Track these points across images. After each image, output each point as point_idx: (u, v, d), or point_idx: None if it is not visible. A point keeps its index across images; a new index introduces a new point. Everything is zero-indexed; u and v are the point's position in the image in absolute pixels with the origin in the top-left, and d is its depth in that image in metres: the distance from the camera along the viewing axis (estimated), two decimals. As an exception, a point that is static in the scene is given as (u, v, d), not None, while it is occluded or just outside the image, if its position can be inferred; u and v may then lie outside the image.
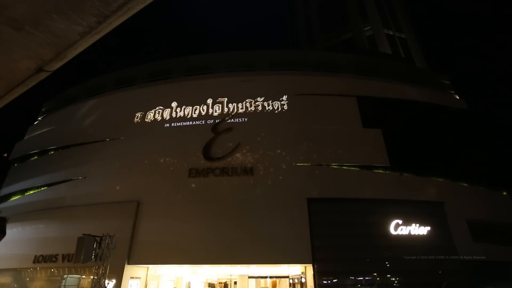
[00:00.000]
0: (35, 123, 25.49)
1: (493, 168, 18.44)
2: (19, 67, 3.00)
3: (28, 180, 20.23)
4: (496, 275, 14.17)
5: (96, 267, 11.53)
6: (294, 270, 15.67)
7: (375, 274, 13.94)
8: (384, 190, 15.73)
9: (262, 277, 16.91)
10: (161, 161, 17.49)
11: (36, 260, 15.83)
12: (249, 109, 18.57)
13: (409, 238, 14.42)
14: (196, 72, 21.59)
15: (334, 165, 16.68)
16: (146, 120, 19.55)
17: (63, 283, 15.47)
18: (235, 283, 16.47)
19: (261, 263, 15.11)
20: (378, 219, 14.80)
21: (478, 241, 14.75)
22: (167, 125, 19.00)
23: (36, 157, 21.86)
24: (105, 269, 11.57)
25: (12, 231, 15.56)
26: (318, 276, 13.60)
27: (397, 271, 14.01)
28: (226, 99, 19.02)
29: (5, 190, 21.15)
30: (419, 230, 14.61)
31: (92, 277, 12.43)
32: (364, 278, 13.80)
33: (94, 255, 11.30)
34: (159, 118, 19.39)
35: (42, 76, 3.19)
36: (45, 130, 23.39)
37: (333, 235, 14.52)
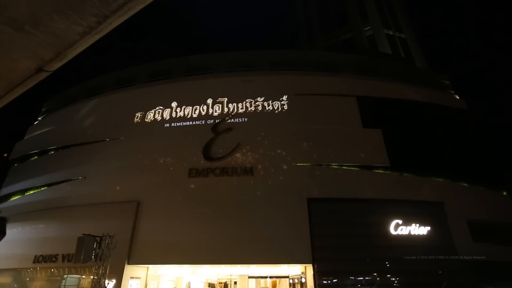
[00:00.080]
0: (35, 123, 25.49)
1: (493, 168, 18.44)
2: (19, 67, 3.00)
3: (28, 180, 20.23)
4: (496, 275, 14.16)
5: (96, 267, 11.53)
6: (294, 270, 15.67)
7: (375, 274, 13.95)
8: (384, 190, 15.73)
9: (262, 277, 16.91)
10: (161, 161, 17.49)
11: (36, 260, 15.83)
12: (249, 109, 18.57)
13: (409, 238, 14.42)
14: (196, 72, 21.59)
15: (334, 165, 16.68)
16: (146, 120, 19.55)
17: (63, 283, 15.47)
18: (235, 283, 16.47)
19: (261, 263, 15.11)
20: (378, 219, 14.80)
21: (478, 241, 14.75)
22: (167, 125, 19.00)
23: (36, 157, 21.86)
24: (105, 269, 11.58)
25: (12, 231, 15.56)
26: (318, 276, 13.60)
27: (397, 271, 14.01)
28: (226, 99, 19.02)
29: (5, 190, 21.15)
30: (419, 230, 14.61)
31: (92, 277, 12.43)
32: (364, 278, 13.80)
33: (94, 255, 11.31)
34: (159, 118, 19.40)
35: (42, 76, 3.19)
36: (45, 130, 23.38)
37: (333, 235, 14.52)
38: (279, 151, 16.86)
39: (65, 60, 3.01)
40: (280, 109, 18.44)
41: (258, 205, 15.23)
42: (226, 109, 18.75)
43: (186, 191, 16.21)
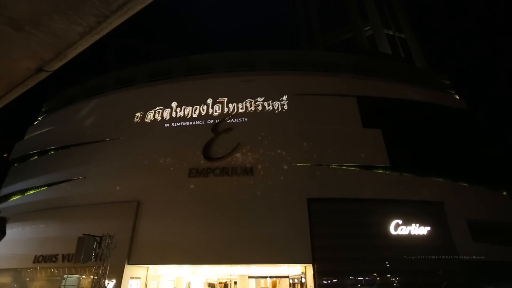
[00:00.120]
0: (35, 123, 25.49)
1: (493, 168, 18.43)
2: (19, 67, 3.00)
3: (28, 180, 20.23)
4: (496, 275, 14.16)
5: (96, 267, 11.53)
6: (294, 270, 15.67)
7: (375, 274, 13.94)
8: (384, 190, 15.73)
9: (262, 277, 16.91)
10: (161, 161, 17.48)
11: (36, 260, 15.82)
12: (249, 109, 18.57)
13: (409, 238, 14.42)
14: (196, 72, 21.59)
15: (334, 165, 16.68)
16: (146, 120, 19.55)
17: (63, 283, 15.47)
18: (235, 283, 16.47)
19: (261, 263, 15.10)
20: (378, 219, 14.80)
21: (478, 241, 14.74)
22: (167, 125, 19.00)
23: (36, 157, 21.86)
24: (105, 269, 11.58)
25: (12, 231, 15.56)
26: (318, 276, 13.59)
27: (397, 271, 14.01)
28: (226, 99, 19.02)
29: (5, 190, 21.15)
30: (419, 230, 14.61)
31: (92, 277, 12.43)
32: (364, 278, 13.80)
33: (94, 255, 11.31)
34: (159, 118, 19.40)
35: (42, 76, 3.19)
36: (45, 130, 23.38)
37: (333, 235, 14.52)
38: (279, 151, 16.86)
39: (65, 60, 3.01)
40: (280, 109, 18.44)
41: (258, 205, 15.23)
42: (226, 109, 18.75)
43: (186, 191, 16.21)
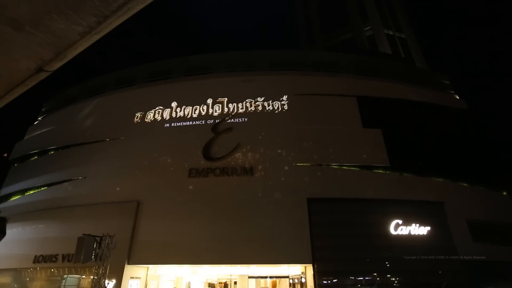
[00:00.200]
0: (35, 123, 25.49)
1: (493, 168, 18.44)
2: (19, 67, 3.00)
3: (28, 180, 20.23)
4: (496, 275, 14.17)
5: (96, 267, 11.53)
6: (294, 270, 15.67)
7: (375, 274, 13.94)
8: (384, 190, 15.73)
9: (262, 277, 16.91)
10: (161, 161, 17.49)
11: (36, 260, 15.83)
12: (249, 109, 18.57)
13: (409, 238, 14.42)
14: (196, 72, 21.60)
15: (334, 165, 16.68)
16: (146, 120, 19.55)
17: (63, 283, 15.47)
18: (235, 283, 16.47)
19: (261, 263, 15.10)
20: (378, 219, 14.80)
21: (478, 241, 14.74)
22: (167, 125, 19.00)
23: (36, 157, 21.86)
24: (105, 269, 11.57)
25: (12, 231, 15.56)
26: (318, 276, 13.59)
27: (397, 271, 14.01)
28: (226, 99, 19.03)
29: (5, 190, 21.15)
30: (419, 230, 14.61)
31: (92, 277, 12.43)
32: (364, 278, 13.80)
33: (94, 255, 11.30)
34: (159, 118, 19.40)
35: (42, 76, 3.19)
36: (45, 130, 23.39)
37: (333, 235, 14.52)
38: (279, 151, 16.86)
39: (65, 60, 3.01)
40: (280, 109, 18.44)
41: (258, 205, 15.23)
42: (226, 109, 18.75)
43: (186, 191, 16.21)
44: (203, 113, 18.88)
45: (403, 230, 14.55)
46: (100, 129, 20.21)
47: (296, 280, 15.63)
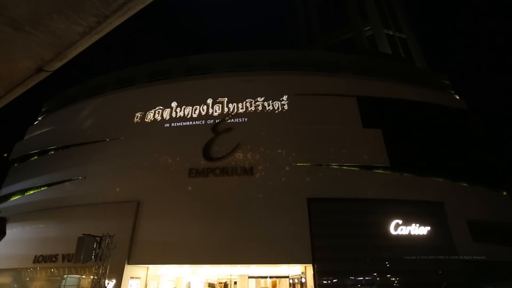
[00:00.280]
0: (35, 123, 25.49)
1: (493, 168, 18.44)
2: (19, 67, 3.00)
3: (28, 180, 20.24)
4: (496, 275, 14.16)
5: (96, 267, 11.53)
6: (294, 270, 15.67)
7: (375, 274, 13.94)
8: (384, 190, 15.73)
9: (262, 277, 16.91)
10: (161, 161, 17.49)
11: (36, 260, 15.83)
12: (249, 109, 18.57)
13: (409, 238, 14.42)
14: (196, 72, 21.60)
15: (334, 165, 16.68)
16: (146, 120, 19.55)
17: (63, 283, 15.47)
18: (235, 283, 16.47)
19: (261, 263, 15.10)
20: (378, 219, 14.80)
21: (478, 241, 14.75)
22: (167, 125, 19.00)
23: (36, 157, 21.86)
24: (105, 269, 11.58)
25: (12, 231, 15.56)
26: (318, 276, 13.60)
27: (397, 271, 14.01)
28: (226, 99, 19.03)
29: (5, 190, 21.16)
30: (419, 230, 14.61)
31: (92, 277, 12.44)
32: (364, 278, 13.80)
33: (94, 255, 11.31)
34: (159, 118, 19.40)
35: (42, 76, 3.19)
36: (45, 130, 23.39)
37: (333, 235, 14.52)
38: (279, 151, 16.86)
39: (65, 60, 3.01)
40: (280, 109, 18.44)
41: (258, 205, 15.23)
42: (226, 109, 18.75)
43: (186, 191, 16.21)
44: (203, 113, 18.88)
45: (403, 230, 14.55)
46: (100, 129, 20.22)
47: (296, 280, 15.63)
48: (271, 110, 18.43)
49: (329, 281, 13.81)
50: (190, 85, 20.57)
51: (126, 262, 14.43)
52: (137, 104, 20.26)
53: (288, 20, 51.04)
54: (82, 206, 16.85)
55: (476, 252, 14.31)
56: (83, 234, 11.47)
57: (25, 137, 24.38)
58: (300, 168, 16.46)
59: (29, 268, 16.16)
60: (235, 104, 18.79)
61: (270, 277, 17.11)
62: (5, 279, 16.56)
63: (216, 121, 18.33)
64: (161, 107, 19.67)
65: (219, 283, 18.02)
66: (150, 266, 15.83)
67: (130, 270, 14.73)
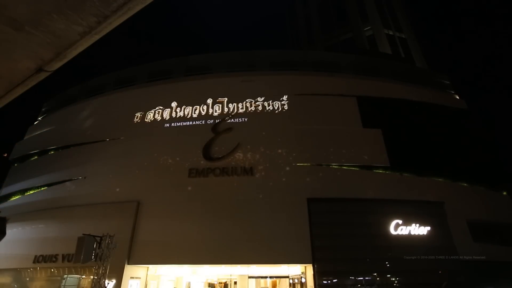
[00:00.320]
0: (35, 123, 25.49)
1: (493, 168, 18.44)
2: (19, 67, 3.00)
3: (28, 180, 20.23)
4: (496, 275, 14.16)
5: (96, 267, 11.53)
6: (294, 270, 15.67)
7: (375, 274, 13.94)
8: (384, 190, 15.73)
9: (262, 277, 16.91)
10: (161, 161, 17.49)
11: (36, 260, 15.83)
12: (249, 109, 18.57)
13: (409, 238, 14.42)
14: (196, 72, 21.60)
15: (334, 165, 16.68)
16: (146, 120, 19.55)
17: (63, 283, 15.47)
18: (235, 283, 16.47)
19: (261, 263, 15.10)
20: (378, 219, 14.80)
21: (478, 241, 14.75)
22: (167, 125, 19.00)
23: (36, 157, 21.86)
24: (105, 269, 11.57)
25: (12, 231, 15.56)
26: (318, 276, 13.60)
27: (397, 271, 14.01)
28: (226, 99, 19.03)
29: (5, 190, 21.16)
30: (419, 230, 14.61)
31: (92, 277, 12.43)
32: (364, 278, 13.80)
33: (94, 255, 11.31)
34: (159, 118, 19.40)
35: (42, 76, 3.19)
36: (45, 130, 23.39)
37: (333, 235, 14.52)
38: (279, 151, 16.86)
39: (65, 60, 3.01)
40: (280, 109, 18.44)
41: (258, 205, 15.23)
42: (226, 109, 18.75)
43: (186, 191, 16.21)
44: (203, 113, 18.88)
45: (403, 230, 14.55)
46: (100, 129, 20.22)
47: (296, 280, 15.63)
48: (271, 110, 18.43)
49: (329, 281, 13.81)
50: (190, 85, 20.57)
51: (126, 262, 14.43)
52: (137, 104, 20.26)
53: (288, 20, 51.05)
54: (82, 206, 16.85)
55: (476, 252, 14.31)
56: (83, 234, 11.47)
57: (25, 137, 24.37)
58: (300, 168, 16.46)
59: (29, 268, 16.16)
60: (235, 104, 18.79)
61: (270, 277, 17.11)
62: (5, 279, 16.56)
63: (216, 121, 18.33)
64: (161, 107, 19.67)
65: (219, 283, 18.02)
66: (150, 266, 15.83)
67: (130, 270, 14.73)
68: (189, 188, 16.32)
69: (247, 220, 14.82)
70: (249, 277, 16.10)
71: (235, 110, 18.62)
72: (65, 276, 15.59)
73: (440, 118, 19.39)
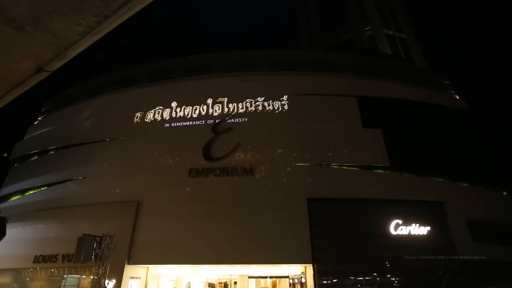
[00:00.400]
0: (35, 123, 25.49)
1: (493, 168, 18.43)
2: (19, 67, 3.00)
3: (28, 180, 20.23)
4: (496, 275, 14.17)
5: (96, 267, 11.53)
6: (294, 270, 15.67)
7: (375, 274, 13.94)
8: (384, 190, 15.73)
9: (262, 277, 16.91)
10: (161, 161, 17.49)
11: (36, 260, 15.83)
12: (249, 109, 18.57)
13: (409, 238, 14.42)
14: (196, 72, 21.60)
15: (334, 165, 16.68)
16: (146, 120, 19.55)
17: (63, 283, 15.47)
18: (235, 283, 16.47)
19: (261, 263, 15.10)
20: (378, 219, 14.80)
21: (478, 241, 14.74)
22: (167, 125, 19.00)
23: (36, 157, 21.86)
24: (105, 269, 11.57)
25: (12, 231, 15.55)
26: (318, 276, 13.59)
27: (397, 271, 14.01)
28: (226, 99, 19.03)
29: (5, 190, 21.15)
30: (419, 230, 14.61)
31: (92, 277, 12.43)
32: (364, 278, 13.80)
33: (94, 255, 11.31)
34: (159, 118, 19.40)
35: (42, 76, 3.19)
36: (45, 130, 23.39)
37: (333, 235, 14.52)
38: (279, 151, 16.86)
39: (65, 60, 3.01)
40: (280, 109, 18.44)
41: (258, 205, 15.23)
42: (226, 109, 18.74)
43: (186, 191, 16.21)
44: (203, 113, 18.88)
45: (403, 230, 14.55)
46: (100, 129, 20.21)
47: (296, 280, 15.63)
48: (271, 110, 18.43)
49: (329, 281, 13.81)
50: (190, 85, 20.57)
51: (126, 262, 14.42)
52: (137, 104, 20.26)
53: (288, 20, 51.03)
54: (82, 206, 16.85)
55: (476, 252, 14.31)
56: (83, 234, 11.47)
57: (25, 137, 24.37)
58: (300, 168, 16.46)
59: (29, 268, 16.16)
60: (235, 104, 18.79)
61: (270, 277, 17.11)
62: (5, 279, 16.56)
63: (216, 121, 18.33)
64: (161, 107, 19.67)
65: (219, 283, 18.02)
66: (150, 266, 15.82)
67: (130, 270, 14.73)
68: (189, 188, 16.32)
69: (247, 220, 14.82)
70: (249, 277, 16.10)
71: (235, 110, 18.61)
72: (65, 276, 15.59)
73: (440, 118, 19.39)
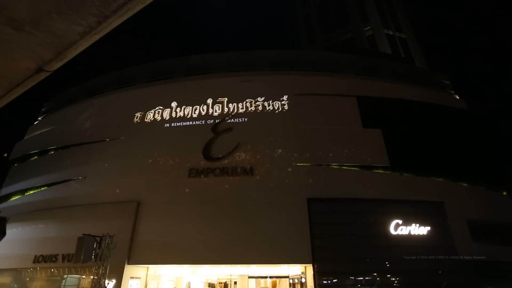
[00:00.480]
0: (35, 123, 25.49)
1: (493, 168, 18.43)
2: (19, 67, 3.00)
3: (28, 180, 20.23)
4: (496, 275, 14.16)
5: (96, 267, 11.53)
6: (294, 270, 15.67)
7: (375, 274, 13.94)
8: (384, 190, 15.73)
9: (262, 277, 16.91)
10: (161, 161, 17.48)
11: (36, 260, 15.83)
12: (249, 109, 18.57)
13: (409, 238, 14.42)
14: (196, 72, 21.59)
15: (334, 165, 16.67)
16: (146, 120, 19.55)
17: (63, 283, 15.47)
18: (235, 283, 16.47)
19: (261, 263, 15.10)
20: (378, 219, 14.80)
21: (478, 241, 14.74)
22: (167, 125, 19.00)
23: (36, 157, 21.86)
24: (105, 269, 11.58)
25: (12, 231, 15.56)
26: (318, 276, 13.59)
27: (397, 271, 14.01)
28: (226, 99, 19.02)
29: (5, 190, 21.15)
30: (419, 230, 14.61)
31: (92, 277, 12.44)
32: (364, 278, 13.80)
33: (94, 255, 11.31)
34: (159, 118, 19.39)
35: (42, 76, 3.19)
36: (45, 130, 23.39)
37: (333, 235, 14.52)
38: (279, 151, 16.86)
39: (65, 60, 3.01)
40: (280, 109, 18.44)
41: (258, 205, 15.22)
42: (226, 109, 18.74)
43: (186, 191, 16.21)
44: (203, 113, 18.88)
45: (403, 230, 14.55)
46: (100, 129, 20.21)
47: (296, 280, 15.63)
48: (271, 110, 18.43)
49: (329, 281, 13.81)
50: (190, 85, 20.57)
51: (126, 262, 14.42)
52: (137, 104, 20.26)
53: (288, 20, 51.05)
54: (82, 206, 16.85)
55: (476, 252, 14.31)
56: (83, 234, 11.47)
57: (25, 137, 24.37)
58: (300, 168, 16.46)
59: (29, 268, 16.16)
60: (235, 104, 18.79)
61: (270, 277, 17.11)
62: (5, 279, 16.56)
63: (216, 121, 18.33)
64: (161, 107, 19.67)
65: (219, 283, 18.02)
66: (150, 266, 15.82)
67: (130, 270, 14.73)
68: (189, 188, 16.32)
69: (247, 220, 14.82)
70: (249, 277, 16.10)
71: (235, 110, 18.61)
72: (65, 276, 15.58)
73: (440, 118, 19.38)
